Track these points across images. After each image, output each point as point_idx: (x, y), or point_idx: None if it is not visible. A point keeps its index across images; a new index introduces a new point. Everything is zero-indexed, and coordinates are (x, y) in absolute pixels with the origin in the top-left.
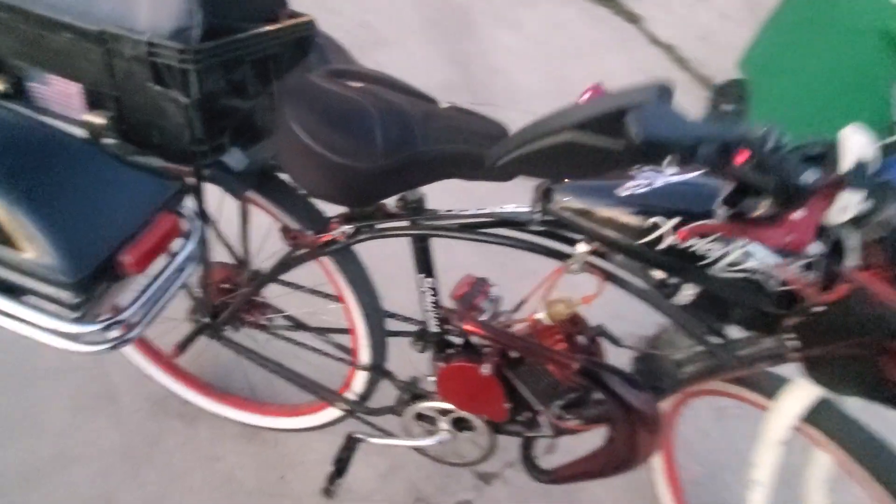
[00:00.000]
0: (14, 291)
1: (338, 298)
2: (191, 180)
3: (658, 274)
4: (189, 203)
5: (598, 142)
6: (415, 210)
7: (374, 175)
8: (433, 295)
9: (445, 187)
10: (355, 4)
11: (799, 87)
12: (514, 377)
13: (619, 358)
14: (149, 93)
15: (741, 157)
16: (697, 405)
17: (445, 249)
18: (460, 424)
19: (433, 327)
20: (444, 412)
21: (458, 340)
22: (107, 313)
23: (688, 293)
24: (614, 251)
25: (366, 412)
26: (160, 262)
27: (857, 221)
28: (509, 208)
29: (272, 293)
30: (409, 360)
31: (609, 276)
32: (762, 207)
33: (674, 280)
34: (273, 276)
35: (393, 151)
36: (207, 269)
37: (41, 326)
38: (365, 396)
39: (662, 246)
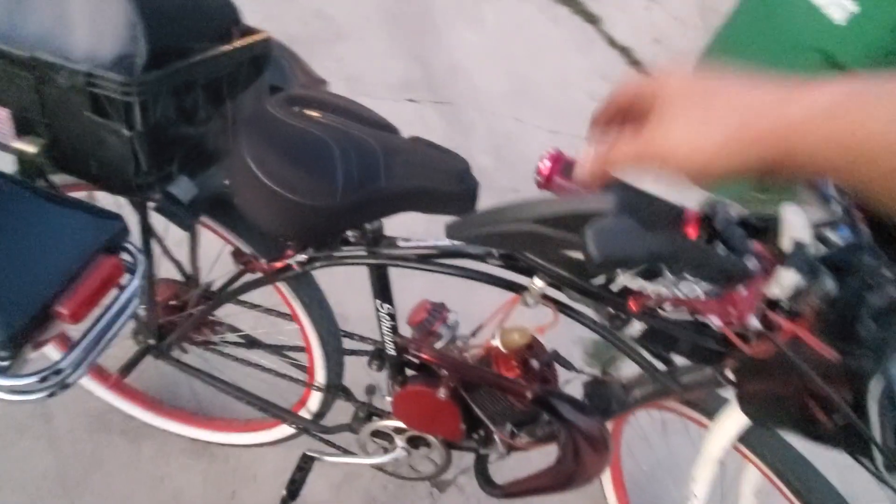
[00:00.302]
0: None
1: (293, 318)
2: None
3: (609, 308)
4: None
5: (558, 235)
6: (373, 239)
7: (333, 213)
8: (391, 321)
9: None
10: None
11: None
12: (470, 400)
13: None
14: (86, 122)
15: (692, 230)
16: (641, 414)
17: (404, 272)
18: (416, 442)
19: (390, 351)
20: (400, 430)
21: (415, 362)
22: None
23: (637, 327)
24: (568, 288)
25: (321, 430)
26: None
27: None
28: None
29: (223, 311)
30: (367, 374)
31: (563, 308)
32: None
33: (624, 315)
34: (228, 298)
35: (354, 189)
36: (152, 287)
37: None
38: (320, 414)
39: (613, 287)
